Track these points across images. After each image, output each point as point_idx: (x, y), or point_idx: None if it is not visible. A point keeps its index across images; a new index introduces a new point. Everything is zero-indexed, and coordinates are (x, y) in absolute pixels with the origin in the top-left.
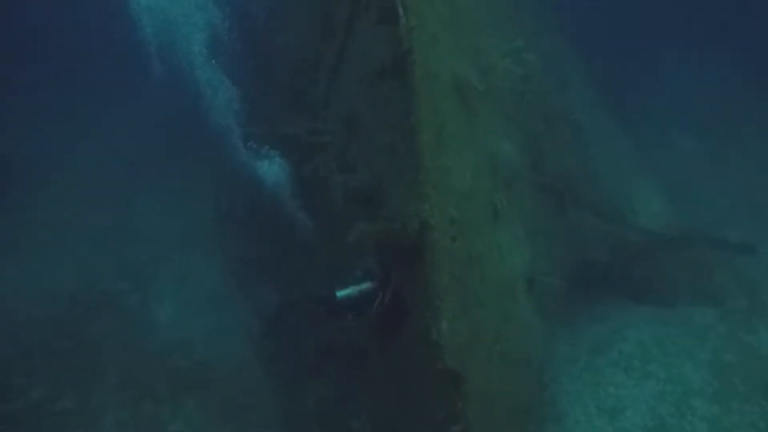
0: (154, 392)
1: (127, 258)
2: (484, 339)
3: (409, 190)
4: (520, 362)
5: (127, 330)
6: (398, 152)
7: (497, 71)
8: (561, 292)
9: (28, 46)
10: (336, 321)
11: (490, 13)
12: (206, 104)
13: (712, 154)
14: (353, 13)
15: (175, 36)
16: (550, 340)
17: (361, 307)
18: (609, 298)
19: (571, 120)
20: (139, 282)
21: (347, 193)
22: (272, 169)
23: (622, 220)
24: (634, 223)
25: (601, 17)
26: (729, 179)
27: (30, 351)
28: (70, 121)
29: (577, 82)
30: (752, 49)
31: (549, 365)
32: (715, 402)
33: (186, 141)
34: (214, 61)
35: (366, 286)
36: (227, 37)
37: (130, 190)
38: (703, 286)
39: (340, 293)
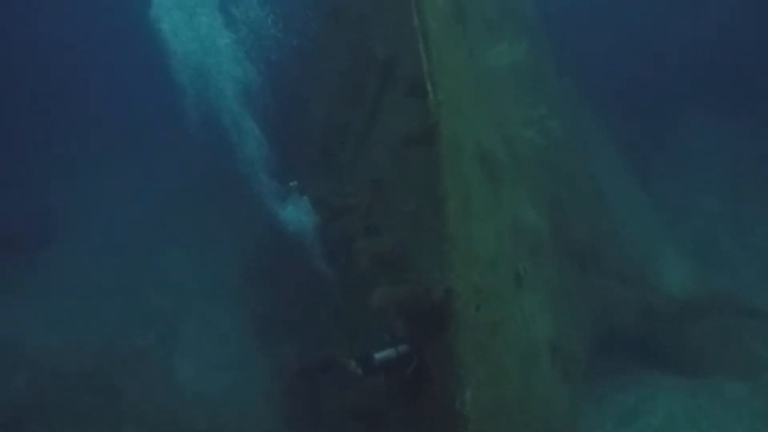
0: None
1: (153, 310)
2: (508, 408)
3: (434, 257)
4: None
5: (149, 385)
6: (423, 219)
7: (521, 140)
8: (585, 359)
9: (61, 99)
10: (370, 381)
11: (513, 83)
12: (236, 155)
13: (738, 216)
14: (383, 83)
15: (208, 86)
16: (574, 409)
17: (396, 369)
18: (635, 366)
19: (595, 184)
20: (164, 336)
21: (372, 256)
22: (298, 215)
23: (648, 286)
24: (660, 289)
25: (623, 78)
26: (756, 242)
27: (53, 403)
28: (100, 173)
29: (600, 146)
30: None
31: None
32: None
33: (215, 192)
34: (245, 113)
35: (402, 347)
36: (260, 91)
37: (158, 241)
38: (733, 357)
39: (378, 354)
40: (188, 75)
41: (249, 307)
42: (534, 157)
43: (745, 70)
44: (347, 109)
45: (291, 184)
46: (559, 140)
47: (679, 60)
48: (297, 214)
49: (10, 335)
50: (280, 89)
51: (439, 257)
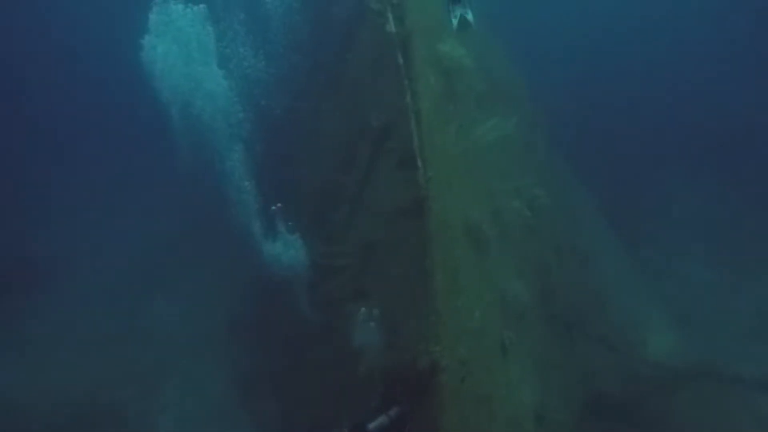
0: None
1: (134, 363)
2: None
3: (421, 328)
4: None
5: None
6: (412, 288)
7: (508, 210)
8: (571, 426)
9: (45, 143)
10: None
11: (501, 156)
12: (227, 205)
13: (723, 282)
14: (376, 150)
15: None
16: None
17: None
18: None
19: (580, 250)
20: (144, 389)
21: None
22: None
23: (633, 353)
24: (645, 356)
25: (608, 147)
26: (741, 308)
27: None
28: (85, 223)
29: (586, 212)
30: (761, 175)
31: None
32: None
33: (204, 245)
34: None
35: (393, 411)
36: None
37: (144, 293)
38: (719, 425)
39: (372, 425)
40: (182, 122)
41: (232, 361)
42: (520, 226)
43: (729, 136)
44: (342, 172)
45: (274, 208)
46: (545, 208)
47: (666, 125)
48: (288, 250)
49: None
50: (276, 144)
51: (425, 329)
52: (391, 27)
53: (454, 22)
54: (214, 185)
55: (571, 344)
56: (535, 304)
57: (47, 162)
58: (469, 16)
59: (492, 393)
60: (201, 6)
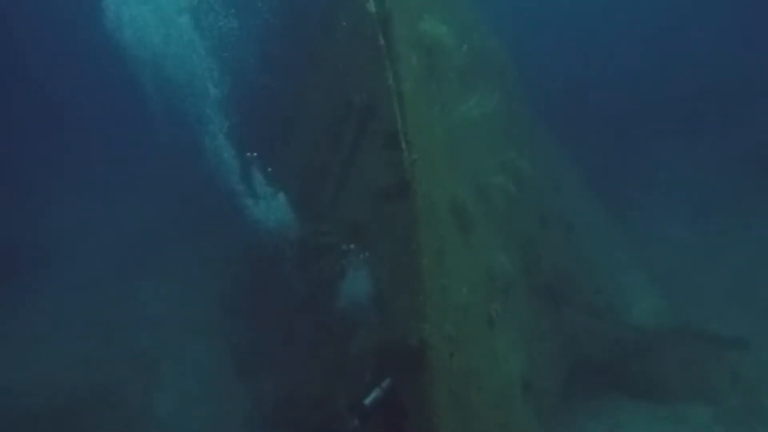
0: None
1: (129, 345)
2: None
3: (409, 307)
4: None
5: (126, 422)
6: (399, 267)
7: (492, 186)
8: (557, 392)
9: (33, 128)
10: (371, 425)
11: (485, 130)
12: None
13: (707, 246)
14: (360, 131)
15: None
16: None
17: (389, 404)
18: (605, 394)
19: (565, 219)
20: (141, 371)
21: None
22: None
23: (616, 318)
24: (628, 321)
25: (593, 113)
26: (723, 271)
27: None
28: (75, 206)
29: (570, 181)
30: (748, 139)
31: None
32: None
33: (193, 223)
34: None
35: (385, 383)
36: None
37: (135, 275)
38: (697, 384)
39: (367, 399)
40: (167, 102)
41: (227, 339)
42: (505, 201)
43: (715, 100)
44: (326, 151)
45: (249, 155)
46: (528, 180)
47: (649, 89)
48: (274, 211)
49: None
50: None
51: (413, 308)
52: (371, 6)
53: None
54: (195, 157)
55: (556, 312)
56: (521, 275)
57: (32, 147)
58: None
59: (480, 366)
60: None
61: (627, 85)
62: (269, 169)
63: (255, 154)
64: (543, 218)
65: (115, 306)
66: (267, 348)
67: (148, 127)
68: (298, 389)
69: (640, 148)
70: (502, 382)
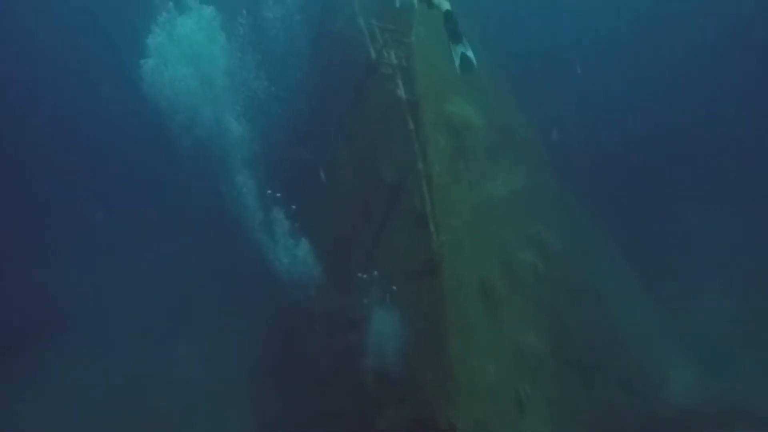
0: None
1: (156, 409)
2: None
3: (438, 389)
4: None
5: None
6: (428, 345)
7: (519, 262)
8: None
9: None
10: None
11: (512, 206)
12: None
13: (745, 315)
14: (389, 206)
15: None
16: None
17: None
18: None
19: (594, 291)
20: None
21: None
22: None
23: (652, 394)
24: (665, 397)
25: (622, 181)
26: (762, 343)
27: None
28: (108, 267)
29: (601, 251)
30: None
31: None
32: None
33: (227, 287)
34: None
35: None
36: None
37: (167, 336)
38: None
39: None
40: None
41: (256, 407)
42: (532, 276)
43: (747, 164)
44: (356, 222)
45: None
46: (556, 253)
47: (678, 153)
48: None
49: None
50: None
51: (442, 391)
52: (402, 92)
53: (456, 61)
54: (228, 218)
55: (588, 388)
56: (551, 353)
57: (61, 207)
58: (470, 54)
59: None
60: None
61: (658, 148)
62: (299, 228)
63: (283, 213)
64: (572, 291)
65: (142, 369)
66: (294, 416)
67: (180, 189)
68: None
69: (677, 214)
70: None
